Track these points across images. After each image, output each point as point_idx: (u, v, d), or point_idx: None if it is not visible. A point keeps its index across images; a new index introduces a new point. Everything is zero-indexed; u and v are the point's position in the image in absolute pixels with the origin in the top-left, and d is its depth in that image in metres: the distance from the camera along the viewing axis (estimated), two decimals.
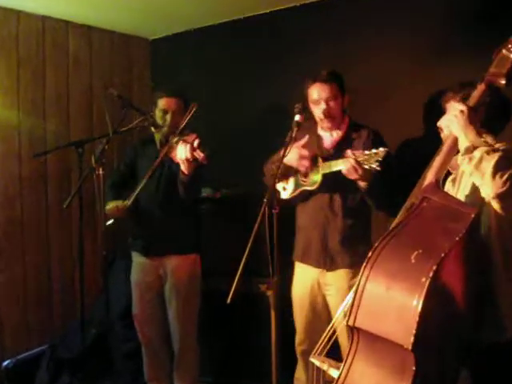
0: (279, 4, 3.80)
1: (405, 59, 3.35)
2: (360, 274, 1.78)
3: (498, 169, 1.85)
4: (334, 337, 2.28)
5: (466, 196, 2.09)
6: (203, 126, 3.27)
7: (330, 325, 2.32)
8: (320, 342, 2.27)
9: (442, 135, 2.20)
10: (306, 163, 2.82)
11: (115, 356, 3.73)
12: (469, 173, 1.94)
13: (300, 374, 3.06)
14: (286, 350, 2.56)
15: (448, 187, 2.24)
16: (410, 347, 1.65)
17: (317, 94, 2.82)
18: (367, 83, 3.38)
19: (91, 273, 3.61)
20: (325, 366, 2.17)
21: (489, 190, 1.87)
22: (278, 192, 3.00)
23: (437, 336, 1.78)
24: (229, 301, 2.05)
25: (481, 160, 1.89)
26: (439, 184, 2.01)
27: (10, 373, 3.63)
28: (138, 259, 3.37)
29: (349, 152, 2.55)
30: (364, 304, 1.78)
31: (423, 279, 1.67)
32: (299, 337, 3.01)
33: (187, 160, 2.79)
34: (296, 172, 2.93)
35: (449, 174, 2.24)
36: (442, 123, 2.18)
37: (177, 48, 4.41)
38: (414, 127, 3.28)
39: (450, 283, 1.77)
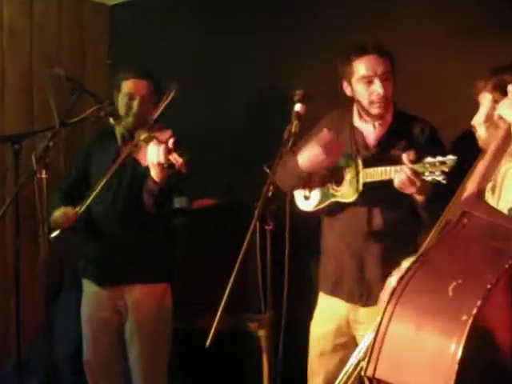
0: None
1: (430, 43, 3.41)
2: (382, 310, 1.76)
3: None
4: None
5: (510, 210, 2.08)
6: (176, 117, 3.27)
7: (342, 374, 2.32)
8: None
9: (477, 135, 2.21)
10: (335, 156, 2.73)
11: None
12: None
13: None
14: None
15: (486, 197, 2.23)
16: None
17: (369, 68, 2.77)
18: None
19: (30, 305, 3.56)
20: None
21: None
22: (275, 204, 2.95)
23: None
24: (207, 344, 2.03)
25: None
26: (483, 195, 2.00)
27: None
28: (90, 289, 3.36)
29: (405, 157, 2.50)
30: (387, 349, 1.76)
31: (464, 317, 1.65)
32: None
33: (160, 165, 2.77)
34: (324, 179, 2.89)
35: None
36: (503, 112, 2.14)
37: (143, 16, 4.41)
38: (443, 122, 3.30)
39: (498, 323, 1.75)
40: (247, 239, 2.16)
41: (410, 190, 2.54)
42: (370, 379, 1.80)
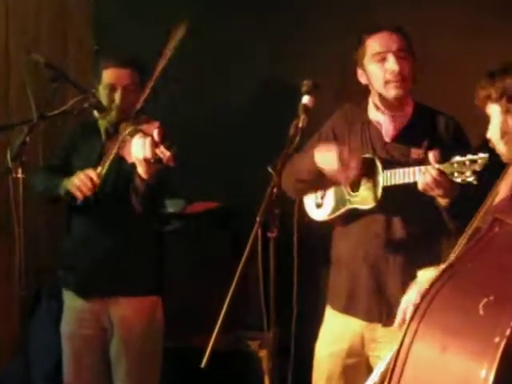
0: None
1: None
2: (404, 329, 1.76)
3: None
4: None
5: None
6: (167, 110, 3.26)
7: None
8: None
9: (498, 151, 2.19)
10: (351, 174, 2.70)
11: None
12: None
13: None
14: None
15: None
16: None
17: (382, 44, 2.76)
18: None
19: (5, 319, 3.58)
20: None
21: None
22: (279, 210, 2.93)
23: None
24: (203, 364, 2.03)
25: None
26: None
27: None
28: (72, 302, 3.34)
29: (431, 156, 2.48)
30: (409, 372, 1.75)
31: (496, 339, 1.64)
32: None
33: (146, 160, 2.77)
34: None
35: None
36: None
37: None
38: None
39: None
40: (248, 248, 2.15)
41: (436, 193, 2.52)
42: None
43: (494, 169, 2.35)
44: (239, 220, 2.60)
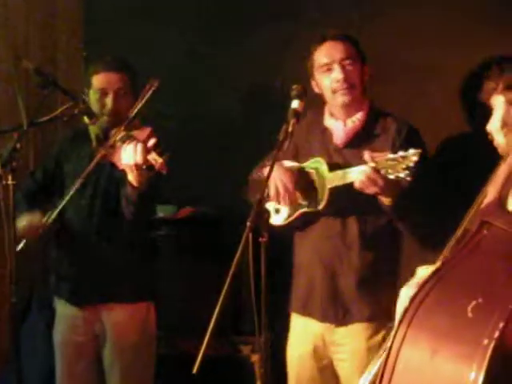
0: None
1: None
2: (393, 333, 1.77)
3: None
4: None
5: None
6: (157, 114, 3.26)
7: None
8: None
9: (495, 143, 2.20)
10: (287, 199, 2.82)
11: None
12: None
13: None
14: None
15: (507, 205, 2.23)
16: None
17: (327, 54, 2.83)
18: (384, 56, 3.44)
19: None
20: None
21: None
22: (268, 214, 2.96)
23: None
24: (195, 370, 2.03)
25: None
26: (505, 203, 1.99)
27: None
28: (64, 310, 3.34)
29: (366, 155, 2.54)
30: (398, 377, 1.76)
31: (485, 341, 1.65)
32: None
33: (137, 166, 2.77)
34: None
35: None
36: None
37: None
38: (454, 120, 3.33)
39: None
40: (239, 253, 2.16)
41: (373, 191, 2.56)
42: None
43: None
44: (230, 225, 2.60)
